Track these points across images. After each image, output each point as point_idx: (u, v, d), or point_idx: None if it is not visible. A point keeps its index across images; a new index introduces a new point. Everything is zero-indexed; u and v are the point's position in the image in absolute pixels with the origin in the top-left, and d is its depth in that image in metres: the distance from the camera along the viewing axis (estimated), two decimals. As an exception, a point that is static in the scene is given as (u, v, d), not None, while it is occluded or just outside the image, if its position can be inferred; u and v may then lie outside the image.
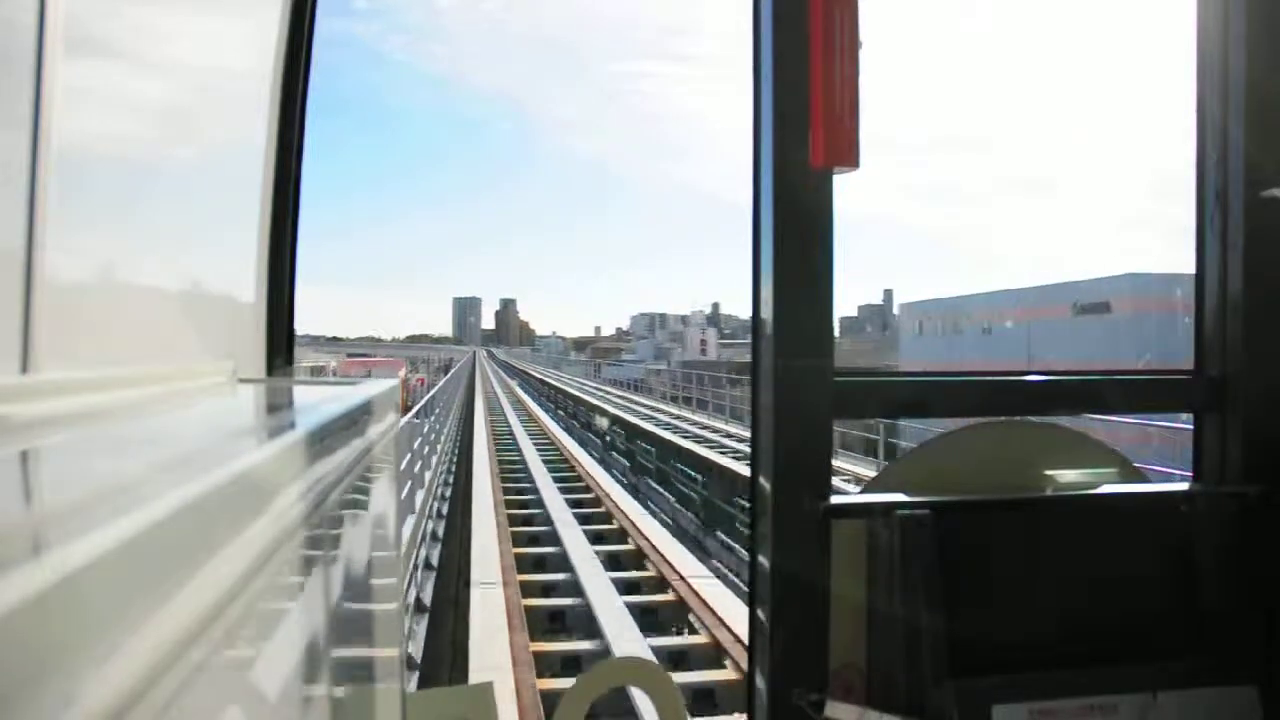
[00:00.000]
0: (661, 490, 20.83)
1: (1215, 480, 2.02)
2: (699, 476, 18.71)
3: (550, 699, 6.79)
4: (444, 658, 9.19)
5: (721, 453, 19.10)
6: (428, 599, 10.42)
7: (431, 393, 20.18)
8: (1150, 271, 21.04)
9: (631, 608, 9.99)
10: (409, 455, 10.93)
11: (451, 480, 18.71)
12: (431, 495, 13.44)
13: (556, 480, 18.99)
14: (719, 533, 16.43)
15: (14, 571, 0.27)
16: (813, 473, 1.80)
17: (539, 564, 12.47)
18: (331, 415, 0.84)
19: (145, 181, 1.04)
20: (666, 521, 16.30)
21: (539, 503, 16.44)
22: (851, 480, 11.47)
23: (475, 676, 7.26)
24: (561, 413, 40.08)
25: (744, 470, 10.26)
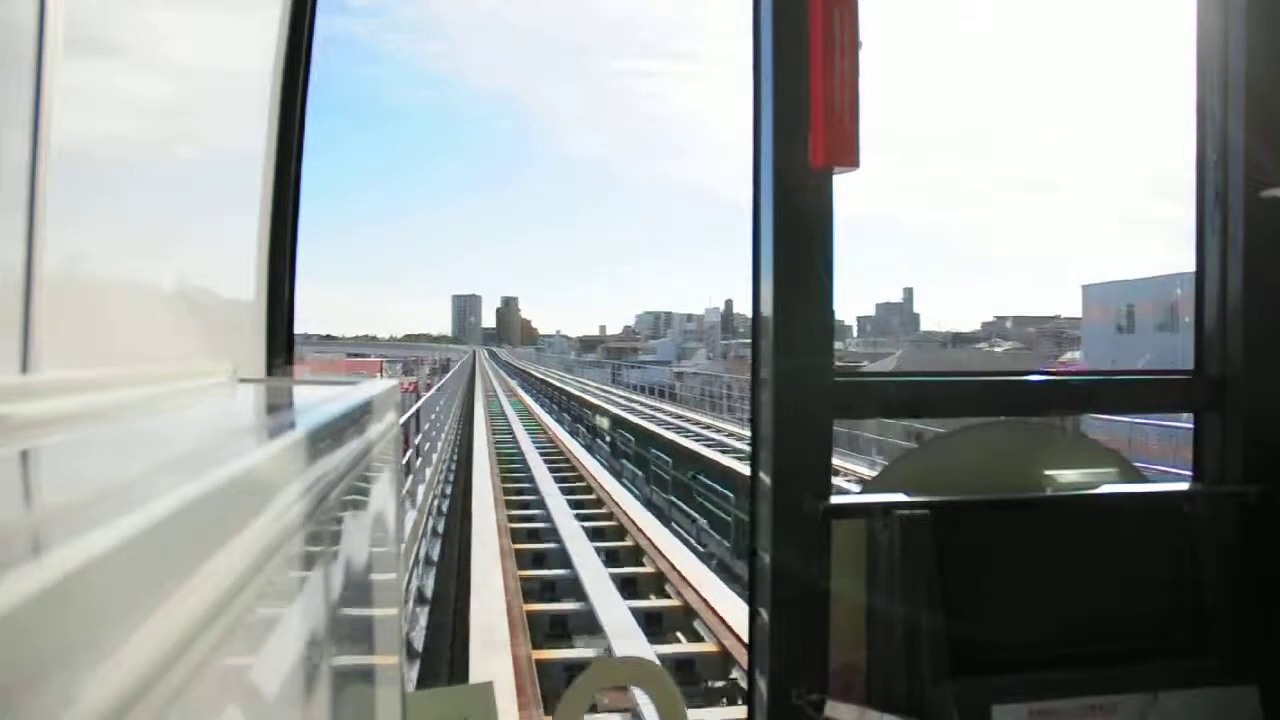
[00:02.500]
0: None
1: (1215, 480, 2.02)
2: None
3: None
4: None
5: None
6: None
7: (418, 404, 13.15)
8: None
9: None
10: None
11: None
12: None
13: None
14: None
15: (14, 571, 0.27)
16: (813, 473, 1.80)
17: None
18: (331, 415, 0.84)
19: (145, 181, 1.04)
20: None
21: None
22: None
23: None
24: (627, 464, 22.58)
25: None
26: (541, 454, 21.63)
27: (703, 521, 15.83)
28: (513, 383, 64.63)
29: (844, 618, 1.79)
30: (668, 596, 10.44)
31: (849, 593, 1.79)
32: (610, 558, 11.90)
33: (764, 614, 1.81)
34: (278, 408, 1.14)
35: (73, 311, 0.79)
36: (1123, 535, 1.91)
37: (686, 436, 21.35)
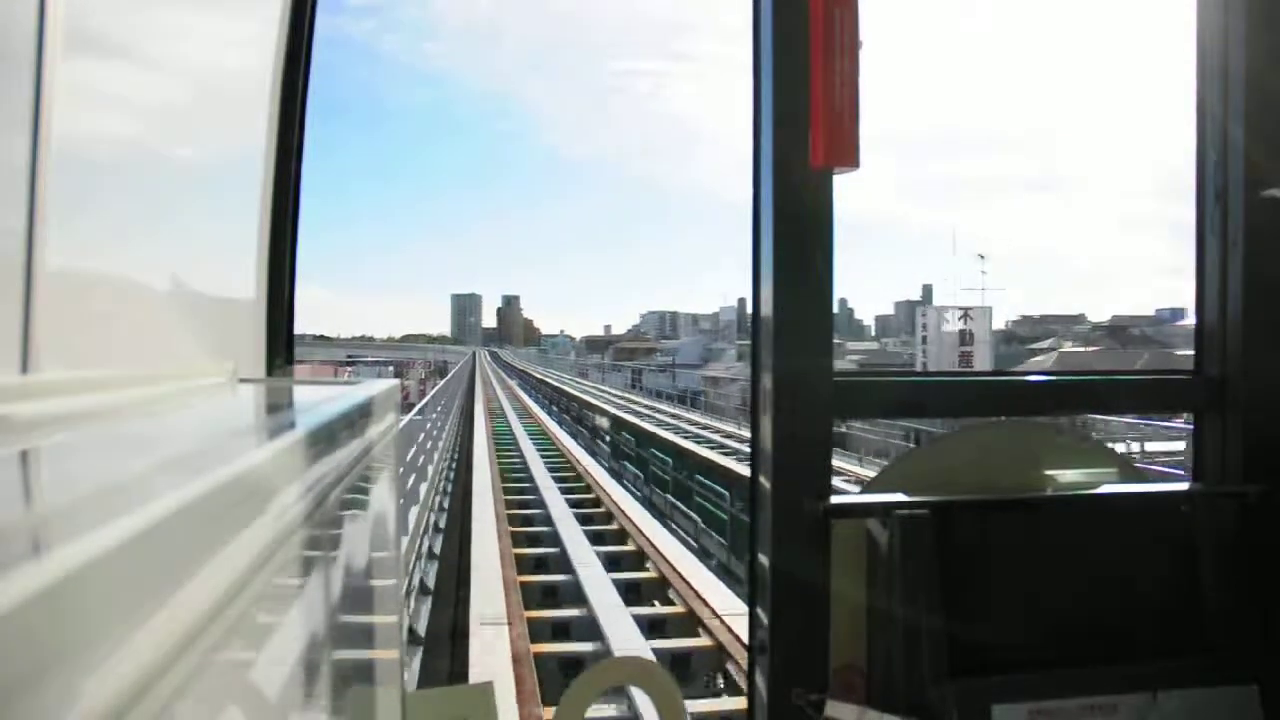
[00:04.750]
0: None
1: (1215, 480, 2.02)
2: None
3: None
4: None
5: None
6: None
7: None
8: None
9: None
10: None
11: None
12: None
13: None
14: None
15: (14, 571, 0.27)
16: (813, 473, 1.80)
17: None
18: (331, 415, 0.84)
19: (145, 181, 1.04)
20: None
21: None
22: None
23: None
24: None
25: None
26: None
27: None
28: (515, 384, 55.82)
29: (844, 618, 1.79)
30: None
31: (849, 593, 1.79)
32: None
33: (764, 614, 1.81)
34: (278, 408, 1.14)
35: (73, 311, 0.79)
36: (1123, 535, 1.91)
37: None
